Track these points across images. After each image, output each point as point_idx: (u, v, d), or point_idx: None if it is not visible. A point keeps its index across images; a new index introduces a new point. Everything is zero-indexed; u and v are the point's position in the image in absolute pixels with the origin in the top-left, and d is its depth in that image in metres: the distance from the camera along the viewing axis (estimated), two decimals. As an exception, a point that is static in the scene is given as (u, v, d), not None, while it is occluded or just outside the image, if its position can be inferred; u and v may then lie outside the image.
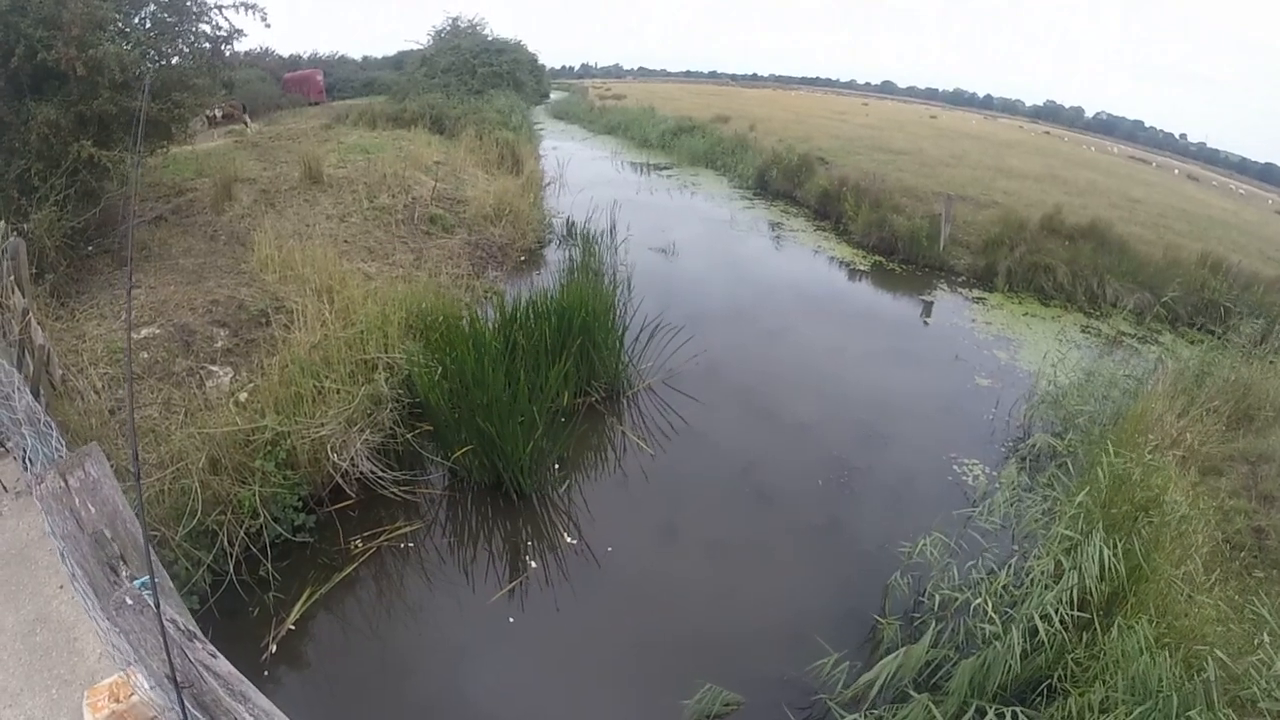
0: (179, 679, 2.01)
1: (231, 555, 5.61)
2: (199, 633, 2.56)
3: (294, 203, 13.00)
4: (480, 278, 12.52)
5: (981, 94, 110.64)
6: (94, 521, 2.54)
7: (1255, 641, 4.55)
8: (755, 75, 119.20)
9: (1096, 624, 4.91)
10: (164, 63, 10.88)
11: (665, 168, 27.34)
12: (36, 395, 4.26)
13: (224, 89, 13.91)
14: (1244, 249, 17.97)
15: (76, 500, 2.50)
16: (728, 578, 6.54)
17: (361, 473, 6.80)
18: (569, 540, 6.80)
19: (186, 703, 2.10)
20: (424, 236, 13.14)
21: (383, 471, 6.88)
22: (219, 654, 2.41)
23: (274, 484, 6.10)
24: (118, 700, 3.02)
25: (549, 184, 20.92)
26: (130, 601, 2.27)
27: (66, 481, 2.49)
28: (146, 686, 3.04)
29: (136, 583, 2.38)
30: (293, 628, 5.49)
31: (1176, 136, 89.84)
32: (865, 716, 4.82)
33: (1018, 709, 4.46)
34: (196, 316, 7.88)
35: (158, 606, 2.07)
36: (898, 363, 11.46)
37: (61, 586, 4.03)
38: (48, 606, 3.90)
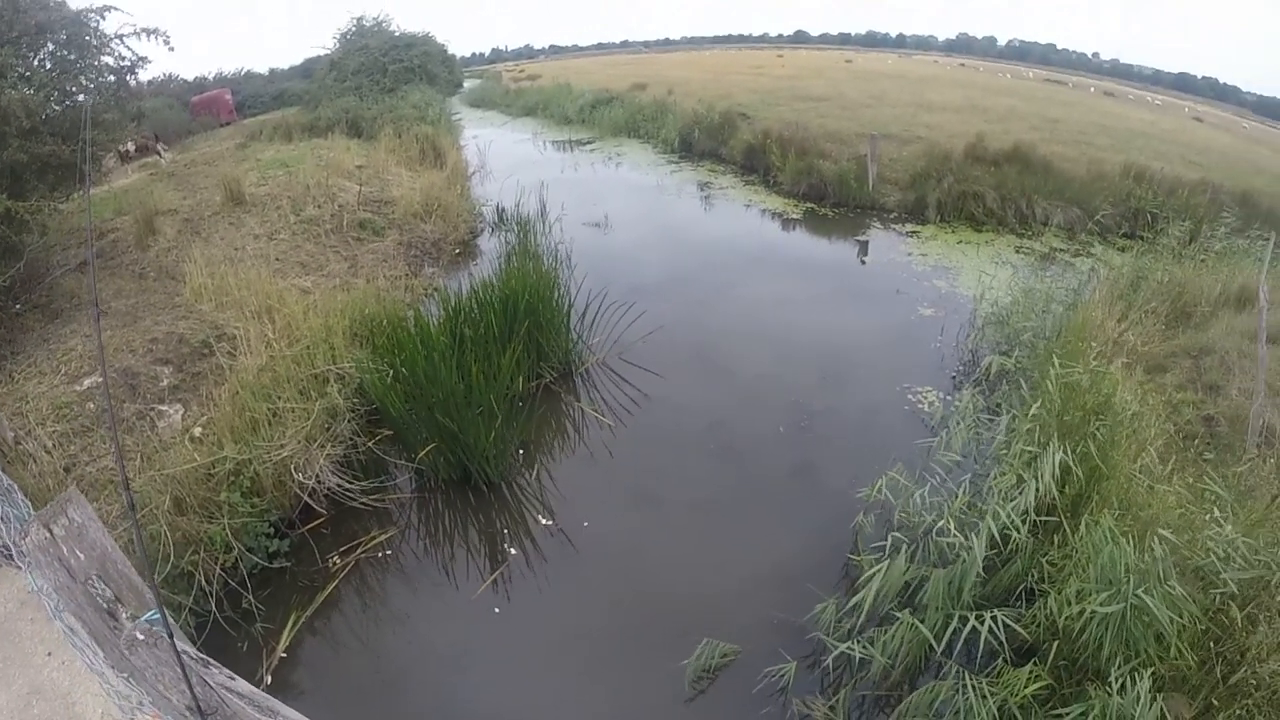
0: (203, 707, 2.04)
1: (211, 594, 5.54)
2: (211, 660, 2.58)
3: (220, 227, 12.74)
4: (418, 276, 12.43)
5: (894, 34, 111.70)
6: (85, 569, 2.50)
7: (1208, 517, 4.76)
8: (668, 39, 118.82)
9: (1065, 525, 5.13)
10: (69, 102, 10.57)
11: (588, 142, 27.20)
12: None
13: (134, 121, 13.55)
14: (1165, 156, 18.59)
15: (64, 549, 2.44)
16: (706, 536, 6.67)
17: (328, 488, 6.78)
18: (544, 523, 6.86)
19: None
20: (355, 243, 12.98)
21: (349, 483, 6.87)
22: (236, 675, 2.44)
23: (242, 514, 6.03)
24: (127, 755, 3.02)
25: (474, 173, 20.77)
26: (142, 636, 2.26)
27: (51, 531, 2.42)
28: None
29: (145, 618, 2.37)
30: (284, 655, 5.47)
31: (1089, 56, 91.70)
32: (857, 641, 4.98)
33: (996, 612, 4.63)
34: (138, 358, 7.75)
35: (171, 636, 2.09)
36: (842, 303, 11.67)
37: (50, 654, 4.00)
38: (39, 676, 3.87)
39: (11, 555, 4.51)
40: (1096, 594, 4.35)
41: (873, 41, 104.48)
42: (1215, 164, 19.05)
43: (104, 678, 2.98)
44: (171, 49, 11.97)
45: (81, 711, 3.63)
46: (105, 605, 2.55)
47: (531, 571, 6.30)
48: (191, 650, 2.34)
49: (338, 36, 38.71)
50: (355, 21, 38.78)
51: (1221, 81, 73.98)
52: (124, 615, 2.38)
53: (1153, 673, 3.99)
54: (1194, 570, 4.41)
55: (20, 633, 4.18)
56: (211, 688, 2.24)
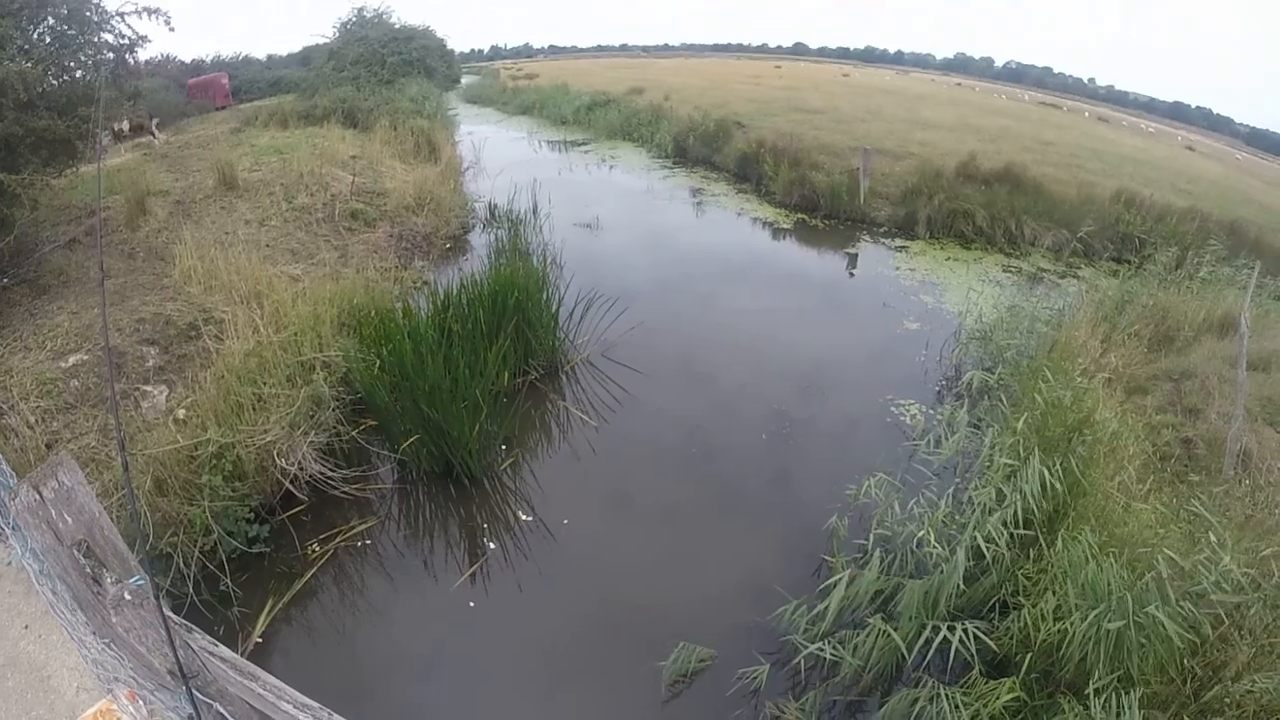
0: (185, 670, 2.07)
1: (189, 576, 5.54)
2: (194, 626, 2.60)
3: (211, 211, 12.70)
4: (408, 269, 12.45)
5: (893, 50, 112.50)
6: (72, 532, 2.51)
7: (1197, 539, 4.82)
8: (667, 45, 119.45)
9: (1041, 540, 5.23)
10: (67, 78, 10.51)
11: (583, 143, 27.26)
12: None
13: (130, 100, 13.48)
14: (1156, 183, 18.79)
15: (53, 512, 2.45)
16: (685, 538, 6.71)
17: (310, 475, 6.78)
18: (524, 518, 6.89)
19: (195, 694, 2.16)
20: (347, 233, 12.97)
21: (331, 471, 6.88)
22: (218, 643, 2.47)
23: (223, 498, 6.03)
24: (105, 726, 3.05)
25: (468, 169, 20.80)
26: (129, 597, 2.27)
27: (41, 494, 2.42)
28: (131, 709, 3.08)
29: (132, 581, 2.39)
30: (260, 640, 5.47)
31: (1085, 81, 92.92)
32: (827, 643, 5.05)
33: (969, 623, 4.71)
34: (124, 337, 7.73)
35: (157, 598, 2.12)
36: (829, 315, 11.75)
37: (27, 626, 4.00)
38: (15, 649, 3.87)
39: None
40: (1078, 609, 4.44)
41: (871, 57, 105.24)
42: (1205, 193, 19.28)
43: (84, 645, 3.00)
44: (172, 29, 11.93)
45: (56, 684, 3.63)
46: (90, 570, 2.57)
47: (510, 567, 6.32)
48: (174, 617, 2.36)
49: (338, 26, 38.62)
50: (356, 12, 38.69)
51: (1215, 112, 75.10)
52: (109, 580, 2.39)
53: (1143, 694, 4.07)
54: (1183, 592, 4.47)
55: (-3, 605, 4.19)
56: (194, 651, 2.27)
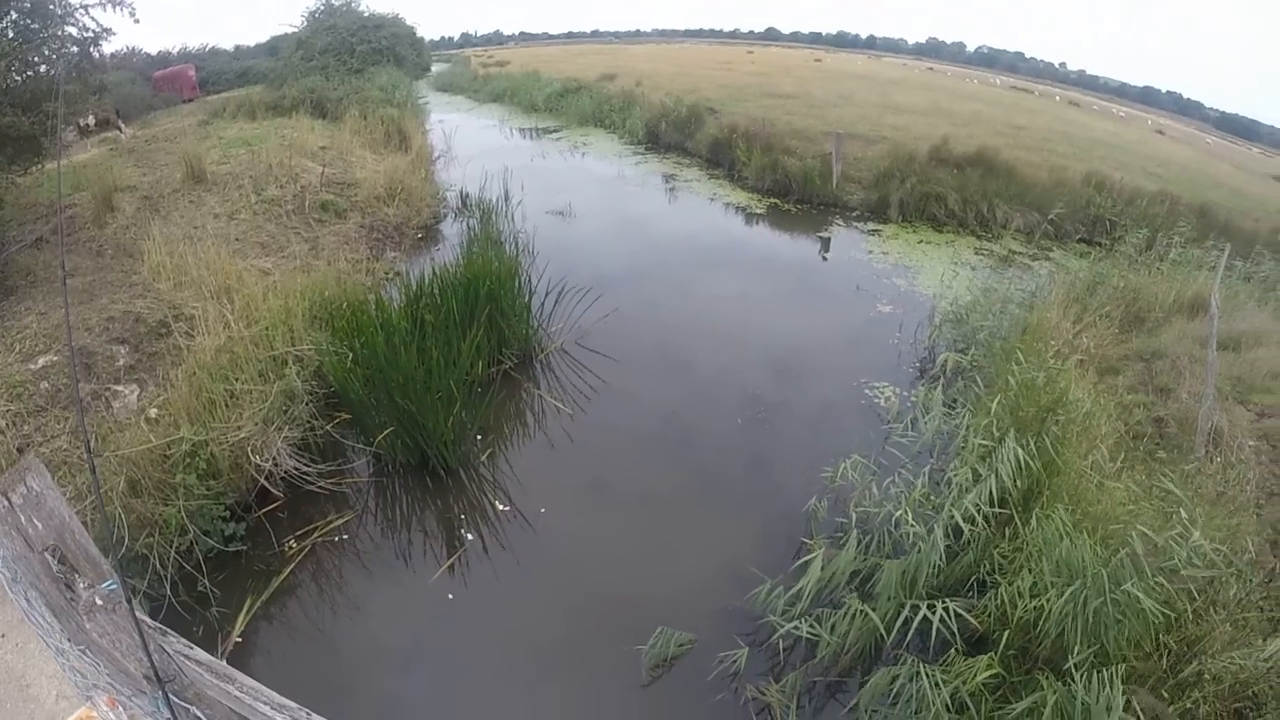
0: (161, 674, 2.07)
1: (166, 578, 5.50)
2: (169, 629, 2.59)
3: (179, 205, 12.55)
4: (380, 260, 12.37)
5: (865, 35, 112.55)
6: (43, 538, 2.51)
7: (1169, 516, 4.91)
8: (638, 31, 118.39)
9: (1017, 518, 5.32)
10: (30, 73, 10.32)
11: (554, 131, 27.18)
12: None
13: (95, 94, 13.26)
14: (1127, 166, 19.05)
15: (22, 518, 2.44)
16: (662, 524, 6.75)
17: (285, 471, 6.75)
18: (501, 508, 6.90)
19: (172, 698, 2.16)
20: (317, 225, 12.87)
21: (307, 466, 6.86)
22: (194, 645, 2.46)
23: (198, 496, 5.97)
24: (85, 734, 3.03)
25: (439, 158, 20.72)
26: (100, 601, 2.28)
27: (9, 500, 2.41)
28: (110, 715, 3.07)
29: (104, 585, 2.39)
30: (240, 640, 5.44)
31: (1056, 65, 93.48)
32: (804, 621, 5.11)
33: (948, 601, 4.78)
34: (94, 337, 7.64)
35: (130, 601, 2.12)
36: (802, 299, 11.83)
37: (3, 635, 3.97)
38: (-8, 659, 3.85)
39: None
40: (1053, 586, 4.52)
41: (843, 42, 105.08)
42: (1175, 176, 19.58)
43: (61, 653, 2.99)
44: (137, 21, 11.75)
45: (36, 693, 3.61)
46: (62, 576, 2.55)
47: (488, 557, 6.33)
48: (149, 620, 2.36)
49: (306, 15, 38.22)
50: (324, 0, 38.31)
51: (1185, 97, 75.75)
52: (81, 586, 2.38)
53: (1125, 670, 4.14)
54: (1158, 569, 4.54)
55: (-28, 615, 4.15)
56: (169, 655, 2.28)
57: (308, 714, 2.22)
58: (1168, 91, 77.91)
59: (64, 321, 7.68)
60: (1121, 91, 75.02)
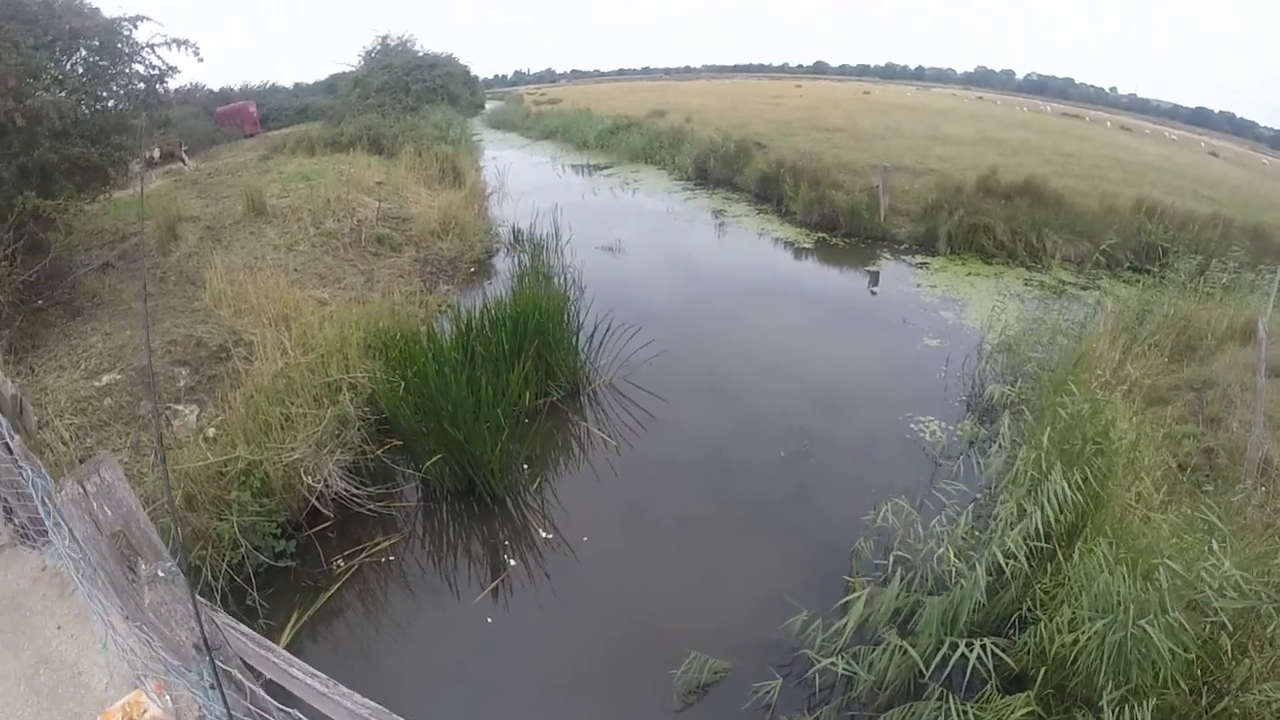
0: (210, 642, 2.24)
1: (216, 590, 5.66)
2: (218, 607, 2.76)
3: (240, 236, 13.00)
4: (433, 293, 12.65)
5: (913, 66, 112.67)
6: (111, 523, 2.74)
7: (1205, 548, 4.82)
8: (688, 68, 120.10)
9: (1060, 554, 5.23)
10: (99, 106, 10.84)
11: (605, 167, 27.57)
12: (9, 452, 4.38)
13: (160, 128, 13.84)
14: (1179, 191, 18.63)
15: (95, 504, 2.68)
16: (703, 556, 6.76)
17: (336, 493, 6.93)
18: (544, 535, 6.98)
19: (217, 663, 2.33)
20: (373, 257, 13.22)
21: (357, 489, 7.03)
22: (238, 622, 2.63)
23: (251, 513, 6.18)
24: (131, 719, 3.20)
25: (492, 194, 21.05)
26: (161, 575, 2.51)
27: (84, 488, 2.66)
28: (156, 703, 3.24)
29: (165, 563, 2.58)
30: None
31: (1107, 90, 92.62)
32: (841, 657, 5.07)
33: (987, 640, 4.72)
34: (157, 358, 7.93)
35: (188, 575, 2.30)
36: (849, 332, 11.82)
37: (59, 627, 4.14)
38: (48, 648, 4.01)
39: (28, 535, 4.73)
40: (1090, 621, 4.43)
41: (891, 74, 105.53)
42: (1228, 198, 19.07)
43: (113, 629, 3.18)
44: (201, 60, 12.29)
45: (87, 680, 3.76)
46: (126, 558, 2.80)
47: (530, 583, 6.40)
48: (200, 599, 2.53)
49: (363, 54, 39.43)
50: (380, 40, 39.48)
51: (1239, 116, 74.33)
52: (142, 567, 2.60)
53: (1155, 704, 4.06)
54: (1189, 601, 4.46)
55: (31, 608, 4.33)
56: (218, 627, 2.46)
57: (334, 684, 2.35)
58: (1221, 112, 76.65)
59: (127, 343, 8.00)
60: (1174, 114, 74.04)
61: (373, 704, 2.41)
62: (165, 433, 6.91)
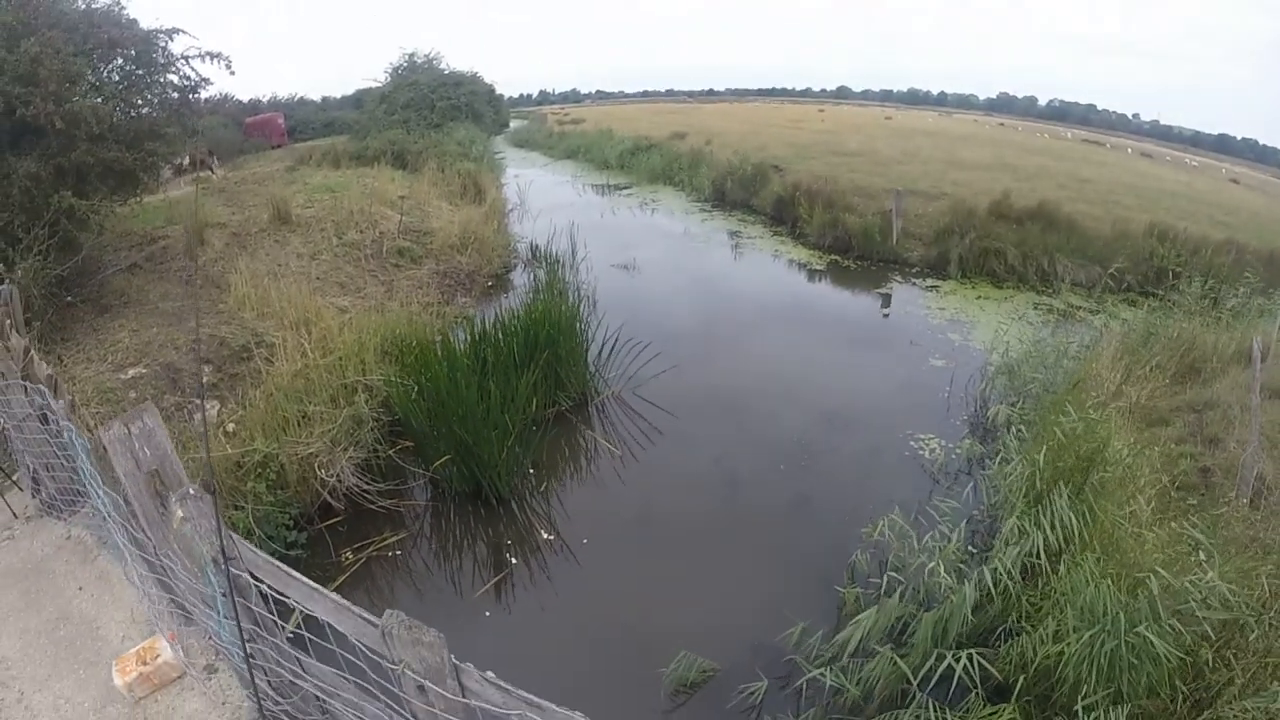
0: (228, 554, 2.53)
1: (230, 575, 5.94)
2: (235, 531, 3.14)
3: (265, 244, 13.35)
4: (450, 304, 12.94)
5: (936, 91, 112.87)
6: (149, 462, 3.09)
7: (1191, 560, 4.96)
8: (711, 90, 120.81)
9: (1047, 567, 5.38)
10: (134, 113, 11.23)
11: (625, 187, 27.95)
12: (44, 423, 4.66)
13: (191, 136, 14.23)
14: (1193, 216, 18.54)
15: (136, 444, 3.04)
16: (699, 562, 6.94)
17: (348, 488, 7.21)
18: (546, 537, 7.21)
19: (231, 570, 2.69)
20: (393, 269, 13.54)
21: (367, 486, 7.29)
22: (257, 549, 2.94)
23: (266, 504, 6.47)
24: (145, 663, 3.49)
25: (512, 210, 21.41)
26: (193, 492, 2.83)
27: (129, 429, 3.01)
28: (169, 649, 3.52)
29: (197, 485, 2.90)
30: (290, 637, 5.82)
31: (1129, 117, 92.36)
32: (831, 669, 5.21)
33: (973, 651, 4.85)
34: (181, 355, 8.25)
35: (214, 494, 2.70)
36: (856, 352, 11.99)
37: (81, 588, 4.41)
38: (69, 606, 4.28)
39: (55, 505, 5.05)
40: (1076, 631, 4.57)
41: (914, 99, 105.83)
42: (1244, 224, 18.94)
43: (134, 564, 3.49)
44: (233, 73, 12.66)
45: (104, 634, 4.03)
46: (159, 494, 3.15)
47: (530, 581, 6.63)
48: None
49: (389, 70, 40.05)
50: (407, 57, 40.09)
51: (1261, 143, 73.84)
52: (173, 500, 2.91)
53: (1132, 710, 4.21)
54: (1173, 611, 4.57)
55: (55, 571, 4.62)
56: (235, 543, 2.78)
57: (339, 598, 2.62)
58: (1243, 138, 76.25)
59: (154, 339, 8.33)
60: (1196, 140, 73.70)
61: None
62: (186, 426, 7.18)
